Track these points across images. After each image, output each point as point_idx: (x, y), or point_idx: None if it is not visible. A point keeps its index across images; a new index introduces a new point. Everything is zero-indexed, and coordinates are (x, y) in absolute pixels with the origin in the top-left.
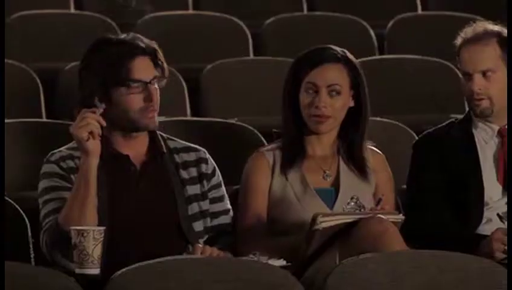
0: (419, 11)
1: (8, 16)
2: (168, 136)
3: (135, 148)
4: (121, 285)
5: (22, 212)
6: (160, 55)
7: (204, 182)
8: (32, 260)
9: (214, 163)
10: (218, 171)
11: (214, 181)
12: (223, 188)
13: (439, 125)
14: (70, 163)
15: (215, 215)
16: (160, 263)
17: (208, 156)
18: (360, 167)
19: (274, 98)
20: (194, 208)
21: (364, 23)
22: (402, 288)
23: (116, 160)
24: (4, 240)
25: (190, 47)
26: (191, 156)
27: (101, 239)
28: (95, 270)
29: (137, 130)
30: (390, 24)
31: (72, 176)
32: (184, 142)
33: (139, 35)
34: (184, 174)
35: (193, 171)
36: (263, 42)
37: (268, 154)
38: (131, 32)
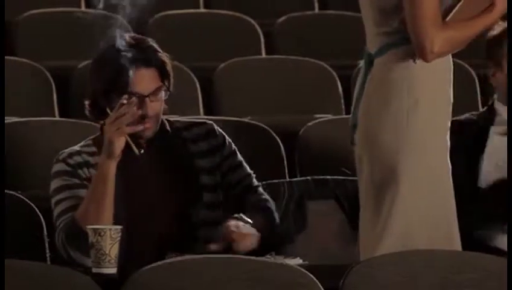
0: None
1: (19, 14)
2: (175, 118)
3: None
4: (138, 284)
5: (37, 211)
6: (169, 66)
7: (216, 153)
8: (48, 259)
9: (223, 133)
10: (229, 140)
11: (225, 152)
12: (239, 155)
13: (456, 118)
14: (78, 158)
15: (237, 183)
16: (178, 262)
17: (216, 127)
18: None
19: (287, 96)
20: (204, 180)
21: None
22: (418, 288)
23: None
24: (19, 239)
25: (202, 46)
26: (199, 130)
27: (118, 238)
28: (112, 270)
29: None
30: None
31: (79, 171)
32: (190, 119)
33: (151, 43)
34: (193, 148)
35: (203, 145)
36: (275, 41)
37: None
38: (144, 35)
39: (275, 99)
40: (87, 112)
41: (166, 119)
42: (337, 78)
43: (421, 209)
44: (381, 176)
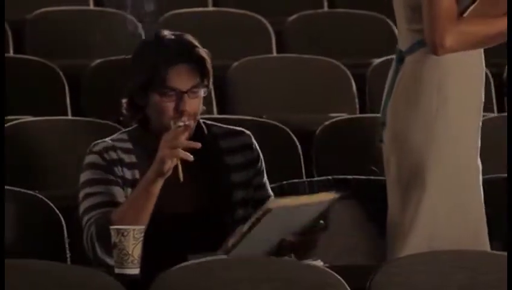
0: None
1: (29, 12)
2: (212, 122)
3: None
4: (166, 285)
5: (57, 211)
6: (209, 63)
7: (250, 168)
8: (69, 259)
9: (258, 148)
10: (261, 157)
11: (258, 167)
12: (265, 175)
13: None
14: (113, 155)
15: (257, 202)
16: (206, 262)
17: (253, 140)
18: None
19: (300, 95)
20: (237, 195)
21: (388, 20)
22: (447, 288)
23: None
24: (39, 239)
25: (213, 44)
26: (237, 141)
27: (141, 238)
28: (135, 270)
29: None
30: None
31: (115, 168)
32: (228, 126)
33: (191, 39)
34: (229, 160)
35: (239, 158)
36: (286, 39)
37: None
38: (182, 32)
39: (288, 98)
40: (124, 111)
41: (203, 122)
42: (350, 77)
43: (448, 209)
44: (409, 175)
